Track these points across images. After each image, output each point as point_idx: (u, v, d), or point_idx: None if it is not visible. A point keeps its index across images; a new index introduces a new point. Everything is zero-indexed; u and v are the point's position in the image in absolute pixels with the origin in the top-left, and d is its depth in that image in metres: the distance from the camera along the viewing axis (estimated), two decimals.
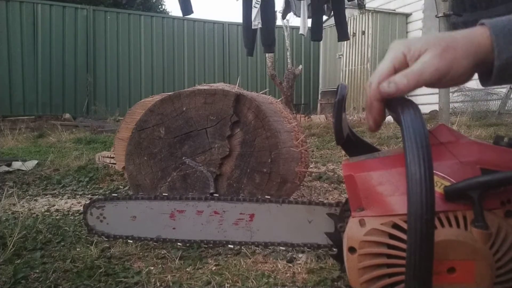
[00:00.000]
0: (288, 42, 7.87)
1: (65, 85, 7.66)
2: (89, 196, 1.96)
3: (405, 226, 0.53)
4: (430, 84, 0.54)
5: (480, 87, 0.62)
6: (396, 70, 0.56)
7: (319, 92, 8.95)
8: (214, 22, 9.03)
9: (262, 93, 1.78)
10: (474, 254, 0.52)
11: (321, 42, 7.74)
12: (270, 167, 1.32)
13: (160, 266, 1.07)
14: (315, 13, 4.15)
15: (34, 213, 1.62)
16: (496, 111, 5.55)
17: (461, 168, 0.54)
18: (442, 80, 0.54)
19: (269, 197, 0.93)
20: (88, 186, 2.15)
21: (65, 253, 1.15)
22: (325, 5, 4.24)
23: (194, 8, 3.80)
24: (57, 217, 1.55)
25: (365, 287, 0.56)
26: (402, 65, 0.56)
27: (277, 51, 8.08)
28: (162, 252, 1.16)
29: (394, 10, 7.57)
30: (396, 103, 0.54)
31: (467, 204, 0.53)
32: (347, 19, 4.07)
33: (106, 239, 1.13)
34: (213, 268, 1.05)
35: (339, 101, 0.61)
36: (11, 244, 1.15)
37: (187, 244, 1.12)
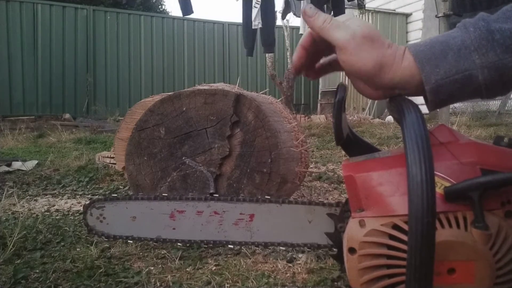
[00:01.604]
0: (288, 42, 7.88)
1: (65, 85, 7.66)
2: (89, 196, 1.96)
3: (405, 227, 0.53)
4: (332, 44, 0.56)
5: None
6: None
7: (319, 92, 8.95)
8: (214, 22, 9.02)
9: (262, 93, 1.78)
10: (474, 254, 0.52)
11: None
12: (270, 167, 1.32)
13: (160, 266, 1.07)
14: None
15: (34, 213, 1.62)
16: (496, 111, 5.55)
17: (461, 169, 0.54)
18: (339, 54, 0.55)
19: (269, 197, 0.93)
20: (88, 186, 2.15)
21: (65, 253, 1.15)
22: (325, 5, 4.23)
23: (194, 8, 3.80)
24: (57, 217, 1.55)
25: None
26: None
27: (277, 51, 8.08)
28: (162, 252, 1.16)
29: (394, 10, 7.58)
30: (396, 103, 0.54)
31: (467, 204, 0.52)
32: None
33: (106, 239, 1.13)
34: (213, 268, 1.05)
35: (339, 101, 0.61)
36: (11, 244, 1.15)
37: (187, 245, 1.12)
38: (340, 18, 0.57)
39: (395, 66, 0.54)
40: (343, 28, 0.55)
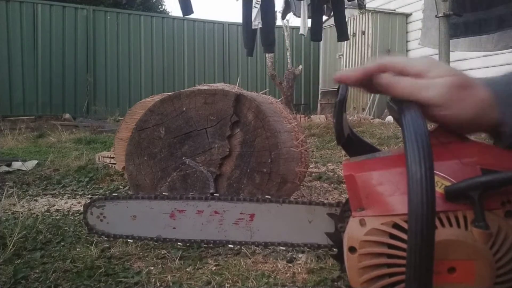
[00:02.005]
0: (288, 42, 7.88)
1: (65, 85, 7.66)
2: (89, 196, 1.96)
3: (405, 225, 0.53)
4: (422, 104, 0.52)
5: None
6: (403, 72, 0.54)
7: (319, 92, 8.95)
8: (214, 22, 9.03)
9: (262, 93, 1.78)
10: (475, 254, 0.52)
11: (321, 42, 7.75)
12: (270, 167, 1.32)
13: (160, 266, 1.07)
14: (315, 13, 4.15)
15: (34, 213, 1.62)
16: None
17: (461, 168, 0.54)
18: (434, 111, 0.52)
19: (269, 197, 0.93)
20: (88, 186, 2.15)
21: (65, 253, 1.15)
22: (325, 5, 4.24)
23: (194, 8, 3.80)
24: (57, 217, 1.55)
25: (365, 287, 0.56)
26: (411, 73, 0.54)
27: (277, 51, 8.08)
28: (162, 252, 1.16)
29: (394, 10, 7.58)
30: (396, 102, 0.54)
31: (468, 204, 0.52)
32: (347, 19, 4.07)
33: (106, 239, 1.13)
34: (213, 268, 1.05)
35: (340, 100, 0.61)
36: (11, 244, 1.15)
37: (187, 244, 1.12)
38: (418, 67, 0.53)
39: (483, 106, 0.53)
40: (433, 85, 0.52)
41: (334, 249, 0.78)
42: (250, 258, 1.11)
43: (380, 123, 5.59)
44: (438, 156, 0.53)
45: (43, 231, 1.33)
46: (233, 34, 9.05)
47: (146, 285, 0.96)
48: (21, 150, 3.63)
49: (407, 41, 7.52)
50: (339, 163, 2.67)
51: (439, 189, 0.53)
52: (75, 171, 2.44)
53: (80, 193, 2.03)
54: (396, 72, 0.54)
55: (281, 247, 1.01)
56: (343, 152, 1.09)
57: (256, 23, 3.95)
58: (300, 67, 7.94)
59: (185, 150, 1.36)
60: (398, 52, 7.44)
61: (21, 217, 1.42)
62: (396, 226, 0.54)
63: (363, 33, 7.45)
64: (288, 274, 1.02)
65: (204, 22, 8.88)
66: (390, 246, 0.55)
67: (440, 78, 0.52)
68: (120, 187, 2.10)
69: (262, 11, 3.91)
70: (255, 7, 3.92)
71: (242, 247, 1.13)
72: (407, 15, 7.49)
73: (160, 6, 14.21)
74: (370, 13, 7.32)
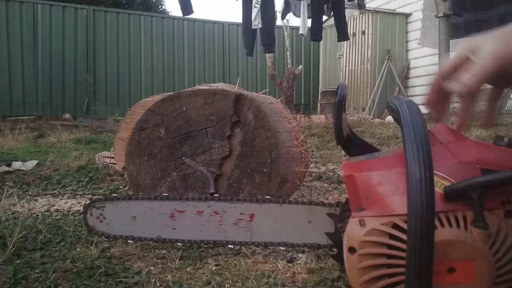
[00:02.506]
0: (288, 42, 7.88)
1: (65, 85, 7.66)
2: (89, 196, 1.96)
3: (405, 226, 0.53)
4: (495, 73, 0.55)
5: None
6: (457, 69, 0.58)
7: (319, 92, 8.95)
8: (214, 22, 9.03)
9: (262, 93, 1.78)
10: (474, 254, 0.52)
11: (321, 42, 7.75)
12: (270, 167, 1.32)
13: (160, 266, 1.07)
14: (315, 13, 4.15)
15: (34, 213, 1.62)
16: (496, 111, 5.54)
17: (461, 168, 0.54)
18: (505, 66, 0.54)
19: (269, 197, 0.93)
20: (88, 186, 2.15)
21: (65, 253, 1.15)
22: (325, 5, 4.23)
23: (194, 8, 3.80)
24: (57, 217, 1.55)
25: (365, 287, 0.56)
26: (464, 64, 0.57)
27: (277, 51, 8.08)
28: (162, 252, 1.16)
29: (394, 10, 7.58)
30: (396, 102, 0.54)
31: (467, 204, 0.53)
32: (347, 19, 4.07)
33: (106, 239, 1.13)
34: (213, 268, 1.05)
35: (339, 101, 0.61)
36: (11, 244, 1.15)
37: (187, 245, 1.12)
38: (462, 56, 0.57)
39: None
40: (484, 56, 0.55)
41: (334, 249, 0.78)
42: (250, 258, 1.10)
43: (380, 123, 5.59)
44: (437, 156, 0.54)
45: (43, 231, 1.33)
46: (233, 34, 9.05)
47: (146, 285, 0.96)
48: (21, 150, 3.63)
49: (407, 41, 7.52)
50: (339, 163, 2.67)
51: (438, 189, 0.53)
52: (75, 171, 2.43)
53: (80, 193, 2.02)
54: (453, 70, 0.59)
55: (281, 247, 1.01)
56: (343, 152, 1.09)
57: (256, 23, 3.95)
58: (300, 67, 7.93)
59: (185, 150, 1.36)
60: (398, 52, 7.44)
61: (21, 217, 1.42)
62: (395, 226, 0.54)
63: (363, 33, 7.45)
64: (288, 274, 1.02)
65: (204, 22, 8.88)
66: (390, 247, 0.55)
67: (485, 43, 0.55)
68: (120, 187, 2.10)
69: (262, 11, 3.91)
70: (255, 7, 3.92)
71: (242, 247, 1.13)
72: (407, 15, 7.49)
73: (160, 6, 14.21)
74: (370, 13, 7.32)
